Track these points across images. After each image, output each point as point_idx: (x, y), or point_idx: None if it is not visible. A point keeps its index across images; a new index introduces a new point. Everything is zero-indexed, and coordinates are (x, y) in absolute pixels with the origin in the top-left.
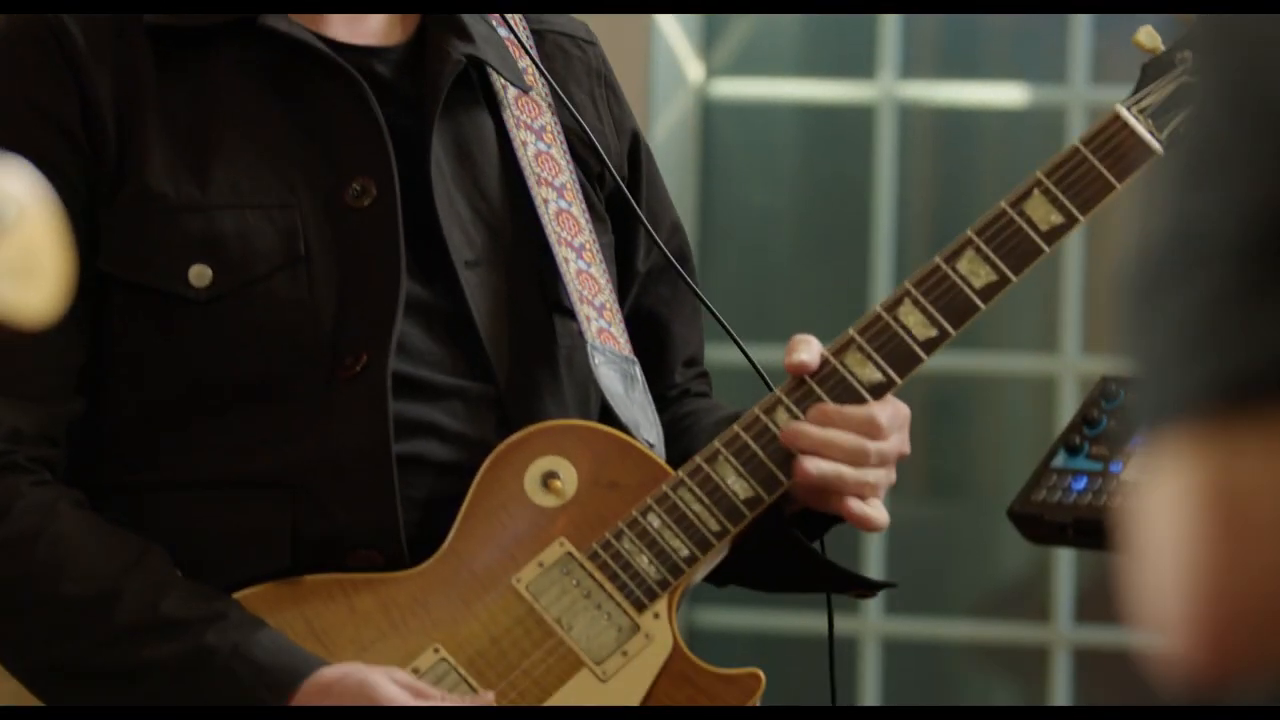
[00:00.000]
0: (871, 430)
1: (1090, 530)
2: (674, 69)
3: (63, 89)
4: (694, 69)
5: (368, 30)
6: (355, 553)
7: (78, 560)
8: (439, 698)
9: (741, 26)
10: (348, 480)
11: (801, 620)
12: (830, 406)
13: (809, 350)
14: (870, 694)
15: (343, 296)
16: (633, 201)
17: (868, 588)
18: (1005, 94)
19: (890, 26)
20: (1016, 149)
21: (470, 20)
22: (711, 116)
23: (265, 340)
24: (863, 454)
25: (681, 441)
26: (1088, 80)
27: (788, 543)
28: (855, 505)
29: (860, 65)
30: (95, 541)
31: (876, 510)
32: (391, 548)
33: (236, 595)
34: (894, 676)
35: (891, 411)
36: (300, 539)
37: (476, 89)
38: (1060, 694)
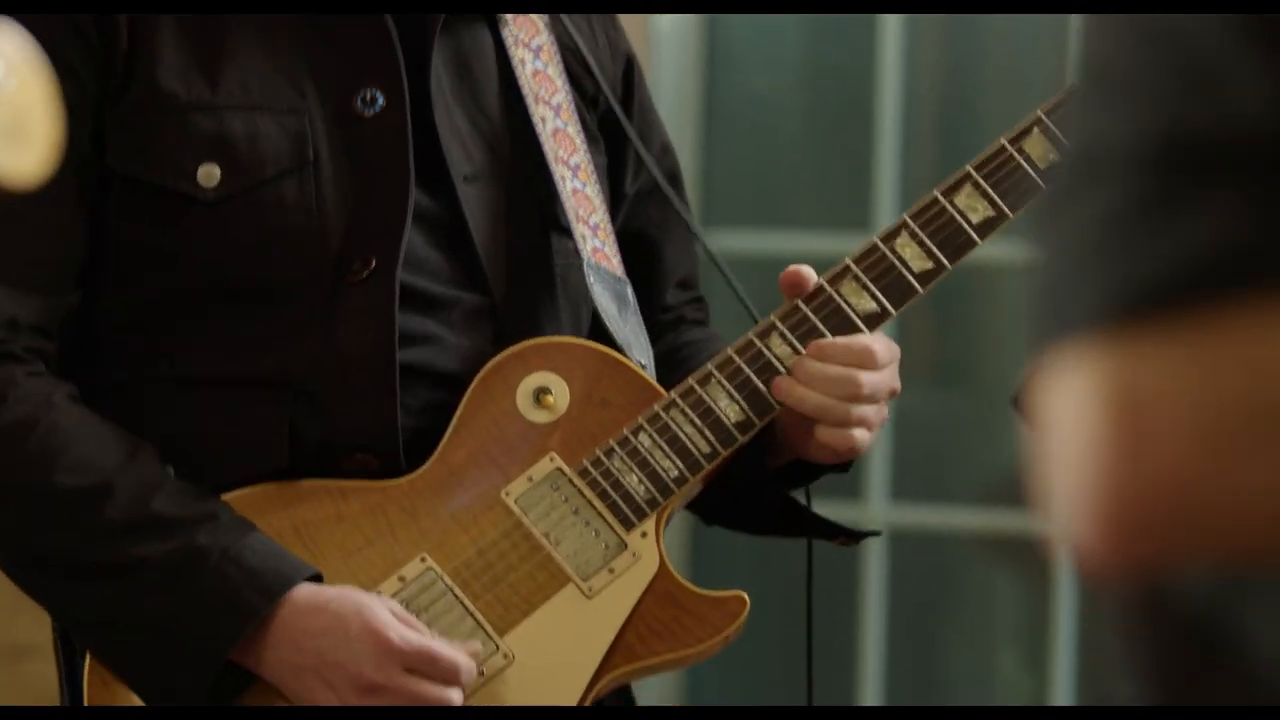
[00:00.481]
0: (866, 360)
1: None
2: None
3: None
4: None
5: None
6: (352, 457)
7: (71, 452)
8: (425, 632)
9: None
10: (350, 384)
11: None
12: (826, 340)
13: (803, 275)
14: (874, 582)
15: (351, 204)
16: (624, 120)
17: (851, 537)
18: None
19: None
20: (1022, 36)
21: None
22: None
23: (272, 244)
24: (854, 384)
25: (678, 372)
26: None
27: (774, 491)
28: (831, 434)
29: None
30: (89, 434)
31: (861, 435)
32: (388, 453)
33: (227, 497)
34: (897, 566)
35: (884, 345)
36: (298, 440)
37: (478, 12)
38: (1067, 586)
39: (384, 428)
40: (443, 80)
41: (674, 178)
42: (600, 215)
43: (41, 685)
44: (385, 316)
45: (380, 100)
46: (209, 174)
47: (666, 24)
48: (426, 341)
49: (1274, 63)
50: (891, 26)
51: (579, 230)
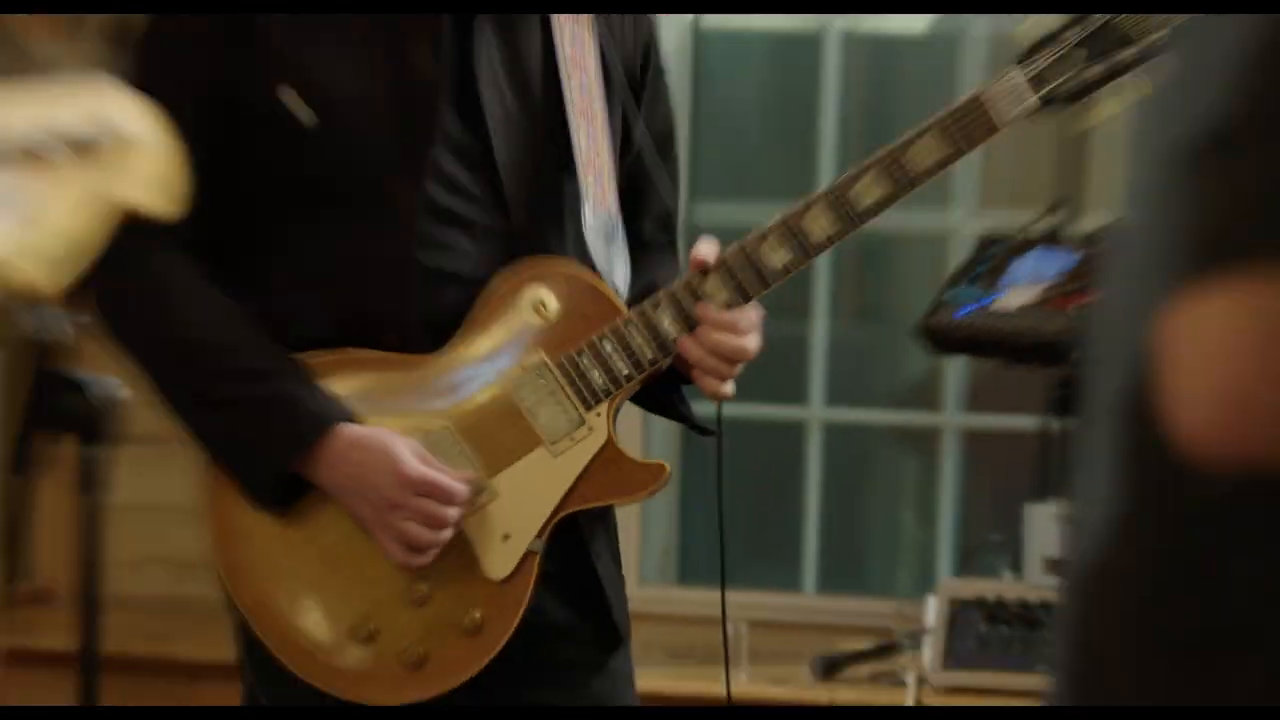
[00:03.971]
0: (737, 331)
1: (974, 343)
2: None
3: None
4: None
5: None
6: (381, 335)
7: (191, 313)
8: (441, 469)
9: None
10: (380, 277)
11: (768, 411)
12: (712, 310)
13: (709, 249)
14: (814, 465)
15: (394, 139)
16: (605, 97)
17: (699, 429)
18: (917, 23)
19: None
20: (926, 73)
21: None
22: (701, 41)
23: (337, 164)
24: (728, 350)
25: (643, 280)
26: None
27: (668, 393)
28: (710, 383)
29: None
30: (206, 301)
31: (727, 387)
32: (406, 331)
33: (304, 356)
34: (831, 452)
35: (752, 319)
36: (343, 319)
37: None
38: (950, 466)
39: (403, 312)
40: (491, 45)
41: (669, 135)
42: (605, 161)
43: None
44: (409, 230)
45: (430, 61)
46: (295, 106)
47: (665, 52)
48: (449, 249)
49: None
50: (832, 54)
51: (585, 177)
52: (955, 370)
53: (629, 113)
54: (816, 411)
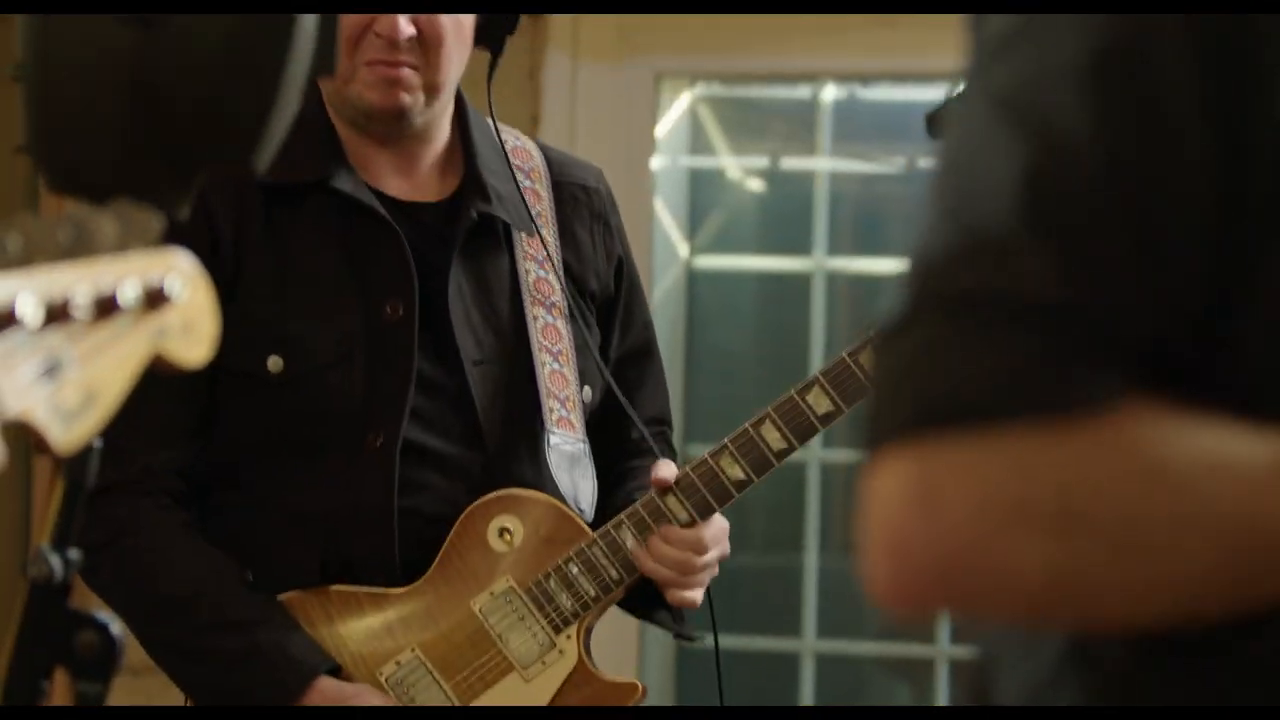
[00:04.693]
0: (698, 548)
1: None
2: (668, 248)
3: (199, 233)
4: (682, 249)
5: (417, 189)
6: (364, 576)
7: (176, 569)
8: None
9: (716, 220)
10: (362, 524)
11: (761, 643)
12: (674, 530)
13: (667, 470)
14: (807, 697)
15: (371, 389)
16: (582, 324)
17: (683, 636)
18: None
19: (820, 218)
20: None
21: (498, 180)
22: (694, 282)
23: (317, 416)
24: (689, 567)
25: (618, 487)
26: None
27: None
28: (676, 594)
29: (799, 245)
30: (190, 555)
31: (694, 595)
32: (390, 574)
33: (283, 597)
34: (824, 682)
35: (715, 530)
36: (326, 563)
37: (499, 234)
38: (944, 697)
39: (385, 558)
40: (464, 289)
41: (649, 347)
42: (572, 389)
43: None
44: (389, 478)
45: (400, 311)
46: (276, 363)
47: (660, 295)
48: (425, 490)
49: (1049, 246)
50: (819, 296)
51: (549, 404)
52: None
53: (606, 329)
54: (809, 643)
